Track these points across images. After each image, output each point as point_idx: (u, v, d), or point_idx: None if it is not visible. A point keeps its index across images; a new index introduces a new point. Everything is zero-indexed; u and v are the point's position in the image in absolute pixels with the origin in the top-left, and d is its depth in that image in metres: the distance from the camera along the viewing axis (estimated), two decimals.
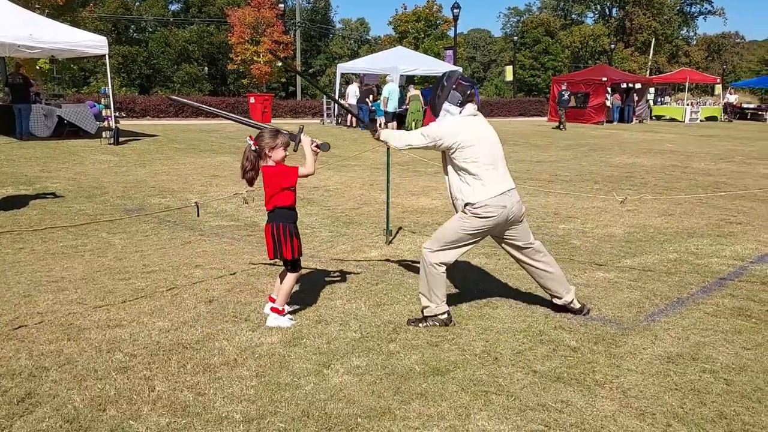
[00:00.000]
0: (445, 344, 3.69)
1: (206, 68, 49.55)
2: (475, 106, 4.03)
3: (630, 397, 3.07)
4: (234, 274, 5.03)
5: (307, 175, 3.96)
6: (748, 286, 4.88)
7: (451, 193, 4.04)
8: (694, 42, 65.34)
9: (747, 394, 3.11)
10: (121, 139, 14.78)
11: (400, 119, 21.36)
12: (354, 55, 50.79)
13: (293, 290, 4.08)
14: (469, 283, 4.90)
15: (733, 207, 8.24)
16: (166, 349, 3.55)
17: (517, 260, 4.20)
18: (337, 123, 24.12)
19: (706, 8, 61.89)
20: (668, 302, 4.48)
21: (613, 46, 47.18)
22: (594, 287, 4.81)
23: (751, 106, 37.77)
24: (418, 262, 5.40)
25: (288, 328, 3.87)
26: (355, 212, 7.72)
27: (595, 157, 14.39)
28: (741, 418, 2.89)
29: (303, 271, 4.43)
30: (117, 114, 15.57)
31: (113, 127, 14.59)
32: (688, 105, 32.57)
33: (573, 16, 62.13)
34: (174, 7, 52.93)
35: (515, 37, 47.66)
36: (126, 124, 19.96)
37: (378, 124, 19.85)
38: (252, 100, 25.34)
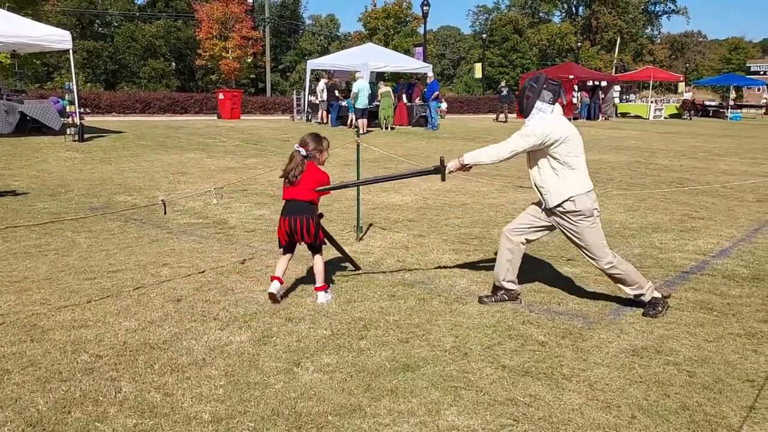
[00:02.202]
0: (416, 340, 3.70)
1: (173, 64, 48.80)
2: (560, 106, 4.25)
3: (596, 390, 3.13)
4: (203, 272, 4.97)
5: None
6: (710, 279, 5.01)
7: (542, 185, 4.18)
8: (659, 41, 66.73)
9: (709, 385, 3.19)
10: (86, 136, 14.49)
11: (371, 116, 21.37)
12: (324, 51, 50.57)
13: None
14: (439, 278, 4.93)
15: (695, 203, 8.44)
16: (133, 350, 3.49)
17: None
18: (307, 119, 24.00)
19: (669, 7, 63.36)
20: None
21: (579, 44, 47.91)
22: (561, 282, 4.88)
23: (713, 103, 38.75)
24: (389, 257, 5.43)
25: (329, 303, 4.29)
26: (326, 209, 7.65)
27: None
28: (703, 409, 2.97)
29: (271, 270, 4.50)
30: (81, 110, 15.24)
31: (78, 123, 14.28)
32: (652, 102, 33.24)
33: (541, 14, 62.87)
34: (140, 1, 52.02)
35: (484, 35, 48.05)
36: (91, 120, 19.58)
37: (351, 121, 19.80)
38: (221, 96, 25.08)
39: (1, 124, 14.79)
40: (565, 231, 4.21)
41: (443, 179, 4.56)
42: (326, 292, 4.40)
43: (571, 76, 28.50)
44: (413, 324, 3.95)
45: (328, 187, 4.55)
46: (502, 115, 27.18)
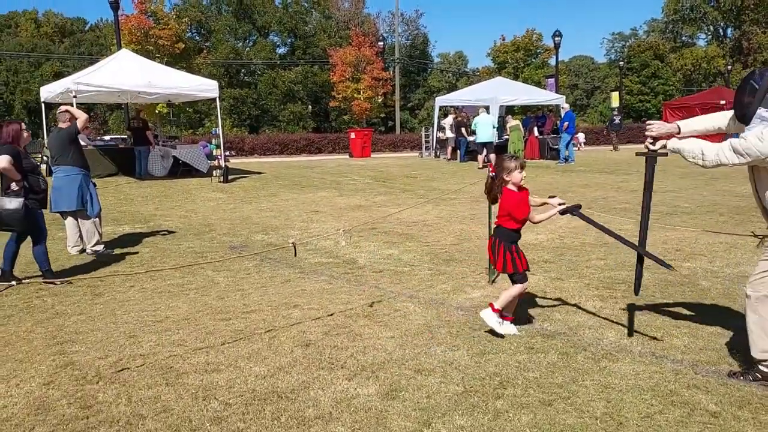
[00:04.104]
0: (560, 403, 3.30)
1: (310, 106, 51.44)
2: None
3: None
4: (331, 315, 4.89)
5: (532, 221, 4.43)
6: None
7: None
8: None
9: None
10: (230, 177, 15.42)
11: (501, 150, 20.94)
12: (452, 87, 50.89)
13: (514, 302, 4.37)
14: (583, 329, 4.46)
15: None
16: (261, 398, 3.41)
17: None
18: (436, 156, 24.03)
19: None
20: None
21: (729, 67, 44.27)
22: (728, 337, 4.22)
23: None
24: (525, 303, 5.04)
25: (515, 335, 4.26)
26: (456, 248, 7.44)
27: (718, 185, 13.25)
28: None
29: (399, 313, 4.40)
30: (227, 153, 16.31)
31: (223, 165, 15.26)
32: None
33: (683, 38, 59.15)
34: (281, 50, 55.65)
35: (621, 62, 45.92)
36: (235, 162, 20.91)
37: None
38: (353, 135, 25.87)
39: (157, 168, 16.17)
40: None
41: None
42: (501, 320, 4.29)
43: (722, 102, 26.23)
44: (556, 383, 3.55)
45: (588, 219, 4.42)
46: (614, 145, 27.57)
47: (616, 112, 28.76)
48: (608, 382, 3.54)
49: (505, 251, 4.24)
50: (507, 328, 4.34)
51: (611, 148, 27.80)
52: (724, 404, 3.24)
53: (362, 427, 3.08)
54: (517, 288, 4.28)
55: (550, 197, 4.52)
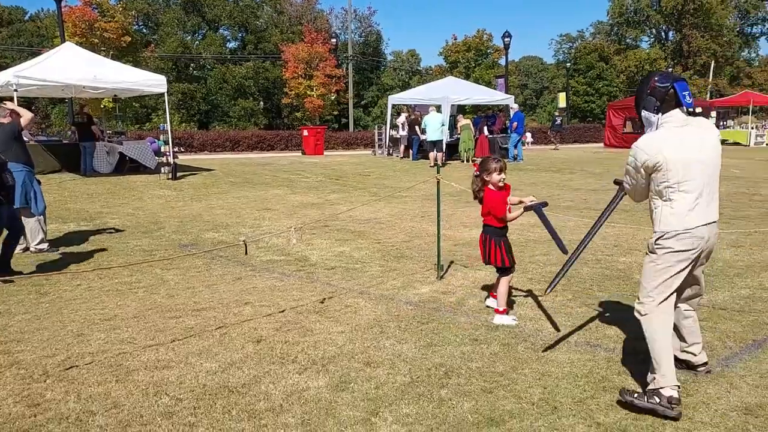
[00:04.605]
0: (500, 390, 3.48)
1: (262, 103, 50.91)
2: (686, 110, 3.31)
3: None
4: (283, 311, 4.97)
5: (506, 220, 4.62)
6: None
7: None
8: (757, 63, 63.07)
9: None
10: (179, 174, 15.20)
11: (452, 149, 21.28)
12: (405, 86, 51.23)
13: (508, 294, 4.69)
14: (525, 322, 4.67)
15: None
16: (212, 393, 3.48)
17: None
18: (389, 154, 24.21)
19: None
20: (743, 345, 4.15)
21: (670, 69, 46.00)
22: None
23: None
24: (471, 297, 5.23)
25: (513, 326, 4.48)
26: (406, 245, 7.60)
27: None
28: None
29: (350, 309, 4.52)
30: (175, 149, 16.06)
31: (171, 162, 15.03)
32: (752, 128, 31.28)
33: (627, 40, 61.05)
34: (231, 45, 54.84)
35: (568, 64, 47.13)
36: (184, 158, 20.58)
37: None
38: (305, 132, 25.79)
39: (103, 165, 15.80)
40: None
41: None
42: (503, 315, 4.59)
43: None
44: (497, 372, 3.73)
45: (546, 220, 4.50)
46: (554, 145, 28.93)
47: (557, 113, 31.17)
48: (545, 370, 3.75)
49: (496, 247, 4.57)
50: (506, 319, 4.62)
51: (552, 147, 28.94)
52: None
53: (312, 418, 3.19)
54: (505, 281, 4.64)
55: (527, 197, 4.79)
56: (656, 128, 3.31)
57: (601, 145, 30.03)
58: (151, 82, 15.55)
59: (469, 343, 4.22)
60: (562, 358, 3.93)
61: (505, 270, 4.64)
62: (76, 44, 18.01)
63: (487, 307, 4.95)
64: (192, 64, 51.17)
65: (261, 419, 3.17)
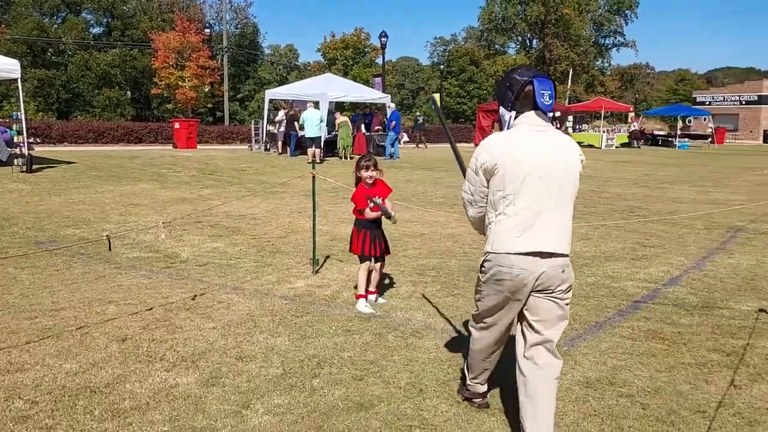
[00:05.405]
0: (370, 377, 3.62)
1: (129, 93, 48.12)
2: (543, 113, 2.83)
3: None
4: (150, 309, 4.80)
5: (364, 215, 4.88)
6: (661, 308, 5.08)
7: None
8: (609, 72, 69.04)
9: (662, 417, 3.20)
10: (34, 167, 14.06)
11: (331, 145, 21.39)
12: (283, 80, 50.67)
13: (365, 279, 4.95)
14: (396, 312, 4.87)
15: (647, 231, 8.63)
16: (73, 394, 3.31)
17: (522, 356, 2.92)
18: (266, 149, 23.87)
19: (619, 41, 65.60)
20: (587, 326, 4.60)
21: None
22: None
23: (662, 132, 40.17)
24: (345, 290, 5.35)
25: (366, 314, 4.75)
26: (282, 241, 7.58)
27: None
28: None
29: (223, 305, 4.44)
30: (30, 140, 14.81)
31: (26, 153, 13.86)
32: (604, 132, 34.24)
33: (496, 46, 64.44)
34: (95, 30, 51.34)
35: (442, 66, 48.93)
36: (41, 150, 19.06)
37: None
38: (177, 125, 24.78)
39: None
40: None
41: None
42: (362, 300, 4.92)
43: None
44: (368, 360, 3.87)
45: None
46: (421, 144, 30.41)
47: (419, 113, 33.55)
48: (413, 356, 3.94)
49: (358, 234, 4.92)
50: (361, 305, 4.90)
51: (416, 145, 30.31)
52: (507, 369, 3.77)
53: (180, 414, 3.14)
54: (361, 267, 4.95)
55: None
56: (508, 128, 2.89)
57: (472, 144, 31.54)
58: (3, 66, 14.22)
59: (342, 334, 4.32)
60: (429, 344, 4.15)
61: (360, 257, 4.98)
62: None
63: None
64: (50, 49, 47.25)
65: (126, 418, 3.07)
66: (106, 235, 4.43)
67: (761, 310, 5.01)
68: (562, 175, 2.75)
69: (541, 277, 2.71)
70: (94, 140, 25.97)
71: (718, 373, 3.76)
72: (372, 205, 4.82)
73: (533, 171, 2.70)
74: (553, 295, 2.78)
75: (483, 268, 2.90)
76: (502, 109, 2.91)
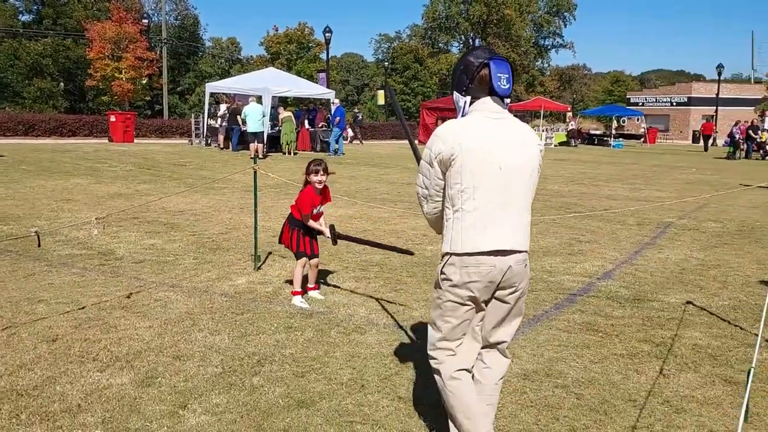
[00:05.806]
0: (312, 374, 3.60)
1: (62, 84, 46.14)
2: (500, 99, 2.63)
3: None
4: (83, 308, 4.62)
5: (306, 222, 4.92)
6: (595, 301, 5.26)
7: None
8: (548, 73, 70.89)
9: (595, 406, 3.31)
10: None
11: (274, 141, 21.11)
12: (225, 74, 49.66)
13: (302, 276, 4.96)
14: (338, 308, 4.85)
15: (582, 226, 8.91)
16: None
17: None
18: (207, 144, 23.36)
19: (558, 42, 67.41)
20: (525, 320, 4.70)
21: None
22: None
23: (598, 132, 41.57)
24: (288, 287, 5.30)
25: (305, 310, 4.74)
26: (223, 237, 7.44)
27: None
28: (590, 431, 3.06)
29: (160, 303, 4.40)
30: None
31: None
32: (543, 131, 35.15)
33: (440, 44, 65.12)
34: (25, 17, 48.98)
35: (386, 63, 49.07)
36: None
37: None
38: (113, 118, 23.98)
39: None
40: None
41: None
42: (298, 297, 4.94)
43: None
44: (310, 357, 3.85)
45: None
46: (356, 140, 30.93)
47: (357, 110, 35.63)
48: (355, 352, 3.94)
49: (291, 230, 4.95)
50: (297, 301, 4.92)
51: (350, 140, 30.60)
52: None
53: (114, 416, 3.03)
54: (297, 264, 4.95)
55: (329, 225, 5.05)
56: (462, 114, 2.66)
57: (417, 142, 31.83)
58: None
59: (283, 331, 4.28)
60: (371, 340, 4.16)
61: (296, 254, 4.99)
62: None
63: (310, 297, 5.07)
64: None
65: (56, 421, 2.95)
66: (35, 231, 4.24)
67: (688, 303, 5.25)
68: (522, 165, 2.57)
69: (507, 272, 2.55)
70: (24, 133, 24.81)
71: (648, 363, 3.92)
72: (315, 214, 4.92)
73: (493, 162, 2.50)
74: (515, 293, 2.65)
75: (444, 275, 2.61)
76: (456, 95, 2.67)
